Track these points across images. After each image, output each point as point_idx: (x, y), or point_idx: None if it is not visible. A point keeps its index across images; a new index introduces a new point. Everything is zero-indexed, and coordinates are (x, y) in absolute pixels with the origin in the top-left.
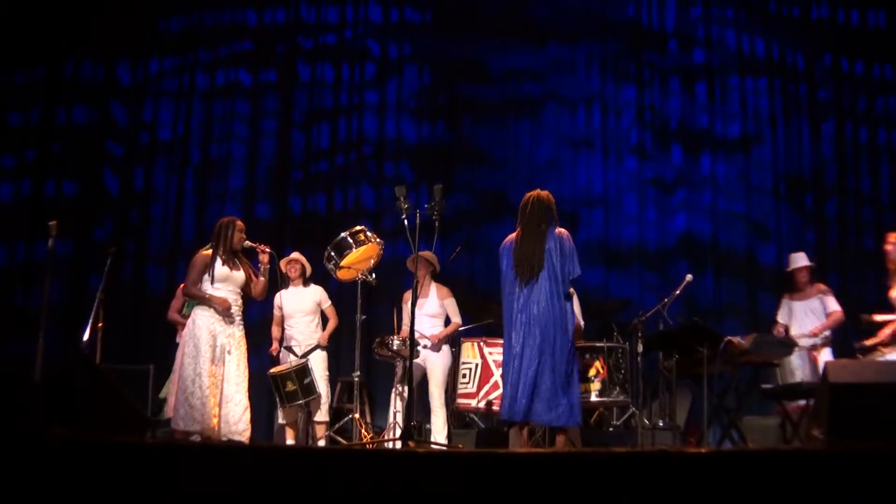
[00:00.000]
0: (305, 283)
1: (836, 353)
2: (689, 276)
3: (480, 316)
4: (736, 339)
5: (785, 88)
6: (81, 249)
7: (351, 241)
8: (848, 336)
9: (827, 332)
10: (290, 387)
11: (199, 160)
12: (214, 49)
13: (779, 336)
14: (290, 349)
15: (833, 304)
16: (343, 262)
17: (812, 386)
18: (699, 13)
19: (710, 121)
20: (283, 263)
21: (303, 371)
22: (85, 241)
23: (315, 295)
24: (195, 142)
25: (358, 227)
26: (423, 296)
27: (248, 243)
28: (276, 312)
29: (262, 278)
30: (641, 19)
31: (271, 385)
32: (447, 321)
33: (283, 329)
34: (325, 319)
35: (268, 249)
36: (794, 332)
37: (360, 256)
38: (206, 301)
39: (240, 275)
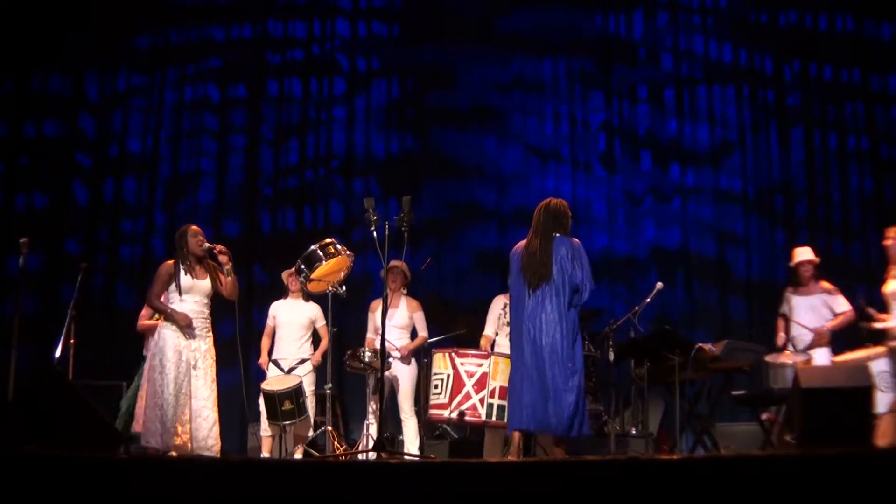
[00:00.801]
0: (305, 297)
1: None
2: (659, 284)
3: (451, 327)
4: (707, 346)
5: (753, 95)
6: (52, 262)
7: (321, 253)
8: (840, 340)
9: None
10: (288, 406)
11: (169, 175)
12: (182, 65)
13: (779, 334)
14: (276, 363)
15: (843, 304)
16: (313, 275)
17: (783, 392)
18: (666, 21)
19: (678, 129)
20: (284, 275)
21: (299, 391)
22: (56, 253)
23: (311, 311)
24: (164, 157)
25: (328, 240)
26: (393, 306)
27: (206, 245)
28: (269, 322)
29: (228, 278)
30: (609, 29)
31: (264, 400)
32: (414, 333)
33: (273, 340)
34: (316, 338)
35: (224, 248)
36: (794, 329)
37: (330, 269)
38: (168, 316)
39: (205, 283)
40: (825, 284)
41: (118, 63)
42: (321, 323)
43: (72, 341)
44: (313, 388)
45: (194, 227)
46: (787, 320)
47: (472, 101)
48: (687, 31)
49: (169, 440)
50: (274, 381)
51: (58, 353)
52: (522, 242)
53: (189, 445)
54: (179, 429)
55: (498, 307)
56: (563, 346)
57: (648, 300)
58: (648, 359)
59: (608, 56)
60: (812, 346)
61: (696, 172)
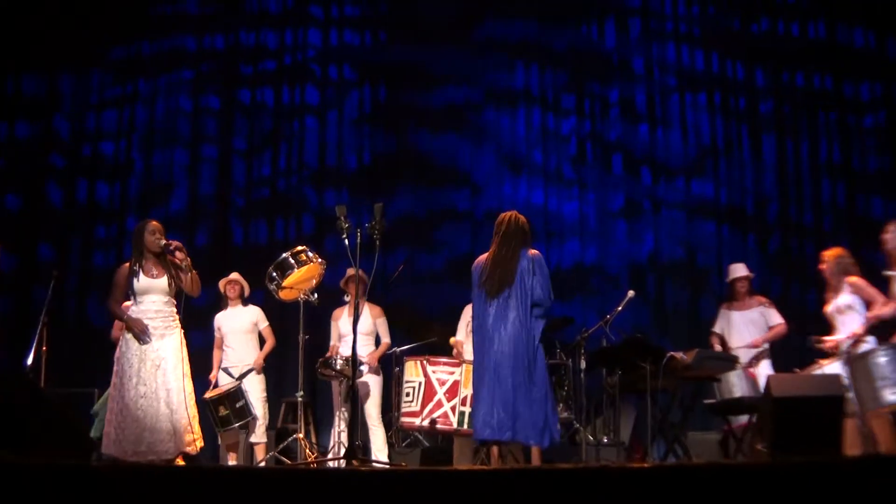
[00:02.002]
0: (244, 303)
1: (776, 368)
2: (630, 293)
3: (423, 335)
4: (678, 355)
5: (725, 102)
6: (25, 263)
7: (293, 261)
8: (789, 350)
9: (766, 345)
10: (223, 411)
11: (140, 186)
12: (154, 76)
13: (714, 349)
14: (227, 371)
15: (776, 317)
16: (285, 283)
17: (754, 401)
18: (638, 31)
19: (650, 137)
20: (221, 284)
21: (235, 394)
22: (29, 255)
23: (252, 315)
24: (137, 165)
25: (300, 248)
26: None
27: (163, 242)
28: (217, 334)
29: (187, 275)
30: (581, 37)
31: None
32: (377, 340)
33: (222, 352)
34: (262, 341)
35: (179, 244)
36: (732, 343)
37: (302, 276)
38: (125, 322)
39: (161, 281)
40: (761, 298)
41: (91, 78)
42: (264, 325)
43: (44, 348)
44: (264, 394)
45: (153, 224)
46: (722, 339)
47: (444, 107)
48: (660, 38)
49: (127, 447)
50: (220, 389)
51: (30, 360)
52: (483, 256)
53: (159, 453)
54: (137, 439)
55: (468, 315)
56: (528, 356)
57: (620, 308)
58: (620, 367)
59: (580, 65)
60: (751, 359)
61: (668, 182)
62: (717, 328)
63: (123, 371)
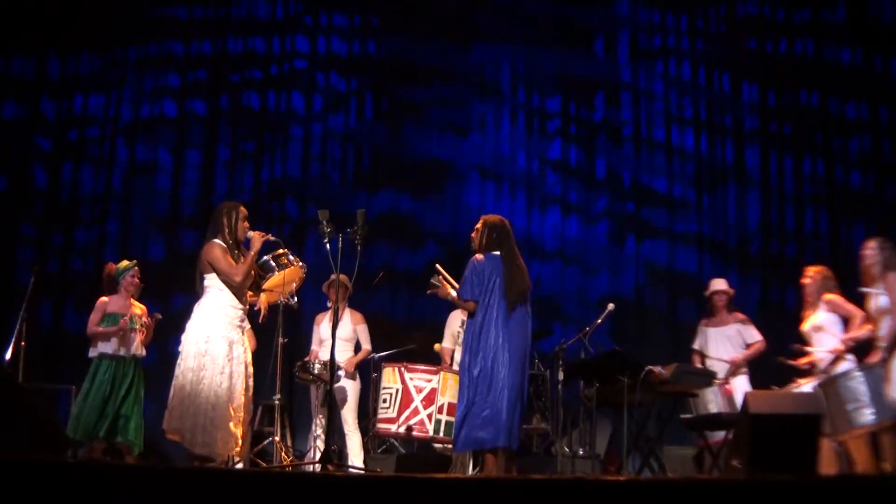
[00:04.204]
0: None
1: (754, 384)
2: (610, 306)
3: (401, 342)
4: (657, 369)
5: (710, 119)
6: (9, 239)
7: (273, 264)
8: (767, 366)
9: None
10: None
11: (123, 182)
12: (139, 80)
13: (695, 366)
14: None
15: (755, 334)
16: (265, 285)
17: (731, 417)
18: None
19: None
20: None
21: None
22: (13, 231)
23: None
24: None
25: (280, 251)
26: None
27: (250, 233)
28: None
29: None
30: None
31: None
32: (357, 346)
33: None
34: None
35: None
36: (708, 359)
37: (282, 280)
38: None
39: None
40: (739, 315)
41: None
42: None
43: (22, 344)
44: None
45: (244, 209)
46: (702, 355)
47: (432, 128)
48: (648, 58)
49: (220, 449)
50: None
51: (8, 355)
52: (481, 258)
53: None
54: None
55: (456, 323)
56: (526, 365)
57: (599, 321)
58: (597, 379)
59: (567, 80)
60: (728, 375)
61: (651, 208)
62: (696, 345)
63: (217, 365)
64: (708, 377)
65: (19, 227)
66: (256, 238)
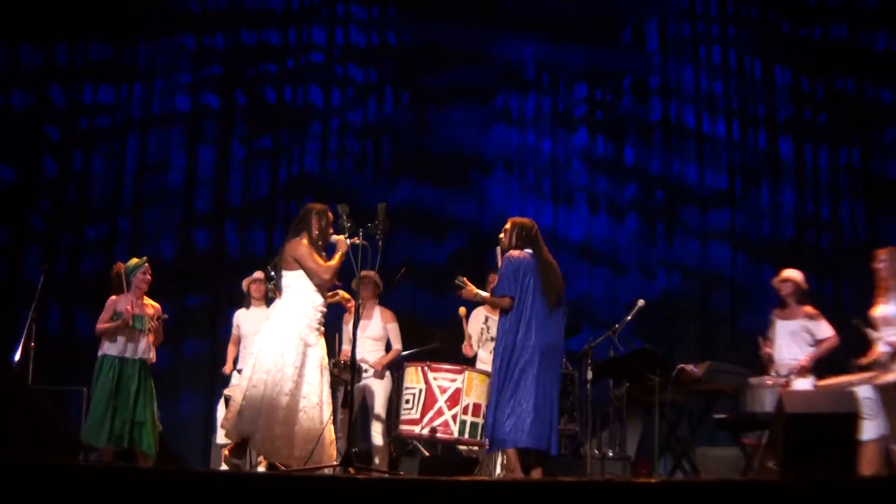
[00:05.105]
0: (268, 304)
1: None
2: (640, 302)
3: (425, 340)
4: (689, 367)
5: (743, 107)
6: (18, 235)
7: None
8: (831, 363)
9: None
10: None
11: (134, 179)
12: (151, 76)
13: (765, 356)
14: (241, 372)
15: (825, 330)
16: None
17: (766, 416)
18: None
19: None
20: (245, 283)
21: None
22: (22, 227)
23: None
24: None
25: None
26: (367, 318)
27: (334, 238)
28: (234, 331)
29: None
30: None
31: (226, 405)
32: (388, 345)
33: (238, 349)
34: None
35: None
36: (776, 354)
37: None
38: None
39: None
40: (808, 309)
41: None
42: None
43: (32, 345)
44: None
45: (330, 213)
46: (770, 344)
47: (452, 104)
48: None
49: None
50: (237, 387)
51: (17, 357)
52: (520, 254)
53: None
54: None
55: (479, 321)
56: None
57: (629, 318)
58: (627, 378)
59: (593, 69)
60: (790, 373)
61: (682, 203)
62: (770, 333)
63: (301, 363)
64: (743, 375)
65: (28, 223)
66: (342, 242)
